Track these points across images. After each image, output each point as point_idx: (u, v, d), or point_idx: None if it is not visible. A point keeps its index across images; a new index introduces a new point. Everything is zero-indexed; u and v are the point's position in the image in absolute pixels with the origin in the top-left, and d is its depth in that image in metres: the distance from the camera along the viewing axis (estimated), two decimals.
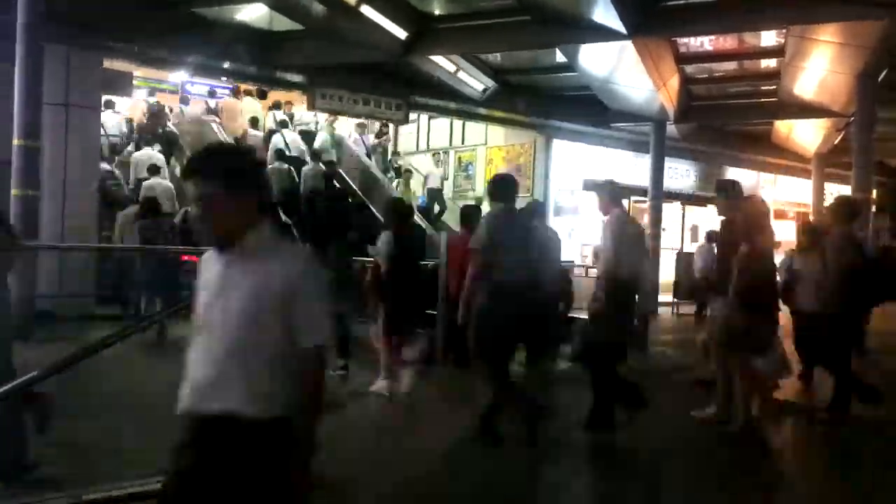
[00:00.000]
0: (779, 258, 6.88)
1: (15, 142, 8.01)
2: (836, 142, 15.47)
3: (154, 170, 11.06)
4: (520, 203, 5.53)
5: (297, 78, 11.66)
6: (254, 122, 14.85)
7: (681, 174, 16.88)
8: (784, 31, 10.04)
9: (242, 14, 10.28)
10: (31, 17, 7.98)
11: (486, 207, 8.85)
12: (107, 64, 10.31)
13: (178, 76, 18.10)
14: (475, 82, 12.45)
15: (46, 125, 8.58)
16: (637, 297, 5.18)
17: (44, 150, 8.50)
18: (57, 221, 9.29)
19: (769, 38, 11.15)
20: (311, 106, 11.96)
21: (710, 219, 18.21)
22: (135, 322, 8.04)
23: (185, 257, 12.15)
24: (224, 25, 10.31)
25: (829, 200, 18.16)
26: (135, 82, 14.11)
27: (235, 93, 15.88)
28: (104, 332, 2.99)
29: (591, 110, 13.58)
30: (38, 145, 8.22)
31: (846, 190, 14.23)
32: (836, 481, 4.69)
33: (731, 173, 18.09)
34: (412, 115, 14.04)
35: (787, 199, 19.46)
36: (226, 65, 11.21)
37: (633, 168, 15.44)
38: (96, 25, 9.41)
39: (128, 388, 5.91)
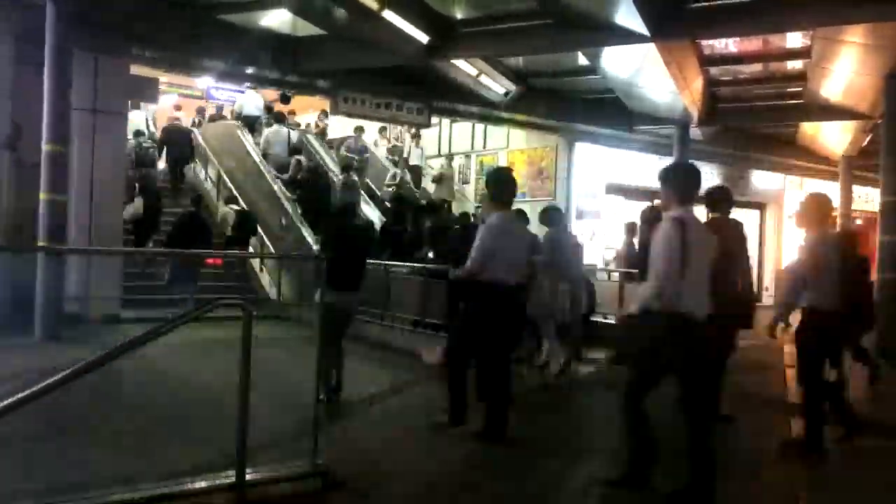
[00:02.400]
0: None
1: (44, 146, 8.17)
2: (863, 144, 15.22)
3: None
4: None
5: (320, 82, 11.74)
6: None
7: (704, 177, 16.67)
8: (810, 32, 9.90)
9: (266, 20, 10.36)
10: (59, 22, 8.15)
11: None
12: (133, 70, 10.46)
13: (204, 81, 18.40)
14: (497, 86, 12.43)
15: (74, 130, 8.74)
16: None
17: (72, 154, 8.65)
18: (84, 225, 9.43)
19: (795, 39, 11.01)
20: (334, 110, 12.03)
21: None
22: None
23: (210, 261, 12.38)
24: (248, 31, 10.41)
25: (857, 203, 17.94)
26: (160, 87, 14.32)
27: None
28: (130, 335, 3.02)
29: (614, 113, 13.50)
30: (66, 150, 8.38)
31: (875, 193, 14.00)
32: None
33: (757, 176, 17.92)
34: (434, 119, 14.06)
35: None
36: (250, 70, 11.33)
37: (656, 171, 15.28)
38: (123, 31, 9.56)
39: (157, 389, 5.99)
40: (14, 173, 9.13)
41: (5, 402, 2.62)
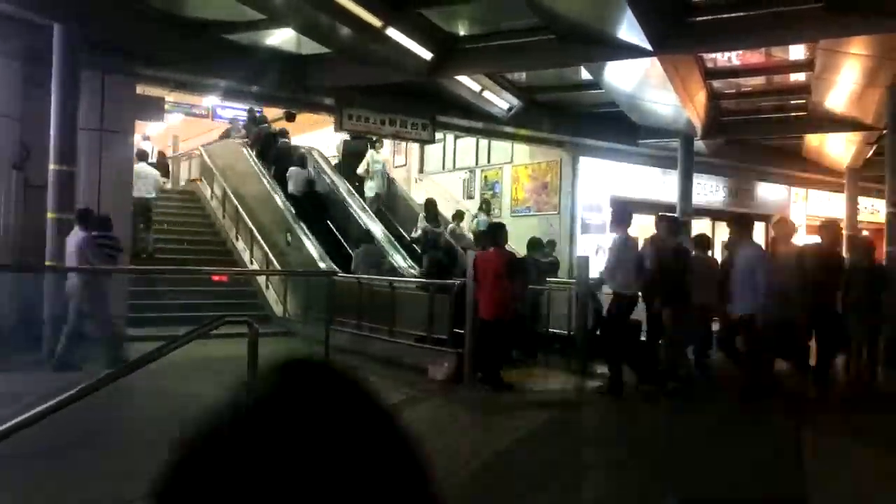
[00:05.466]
0: None
1: (51, 166, 8.23)
2: (868, 155, 15.21)
3: None
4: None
5: (325, 100, 11.81)
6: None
7: (709, 190, 16.70)
8: (813, 44, 9.93)
9: (271, 38, 10.45)
10: (66, 43, 8.23)
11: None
12: (139, 90, 10.54)
13: (209, 100, 18.55)
14: (500, 101, 12.48)
15: (81, 150, 8.79)
16: None
17: (79, 174, 8.71)
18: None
19: (798, 51, 11.04)
20: (339, 127, 12.09)
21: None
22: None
23: (216, 278, 12.42)
24: (254, 50, 10.50)
25: (863, 214, 17.89)
26: (166, 106, 14.42)
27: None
28: (136, 353, 3.03)
29: (618, 127, 13.53)
30: (74, 170, 8.43)
31: (880, 204, 13.96)
32: None
33: (762, 188, 17.91)
34: (438, 135, 14.11)
35: (820, 214, 19.13)
36: (255, 88, 11.42)
37: (661, 184, 15.33)
38: (130, 52, 9.65)
39: (164, 406, 5.99)
40: (22, 193, 9.19)
41: (15, 421, 2.63)
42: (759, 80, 12.44)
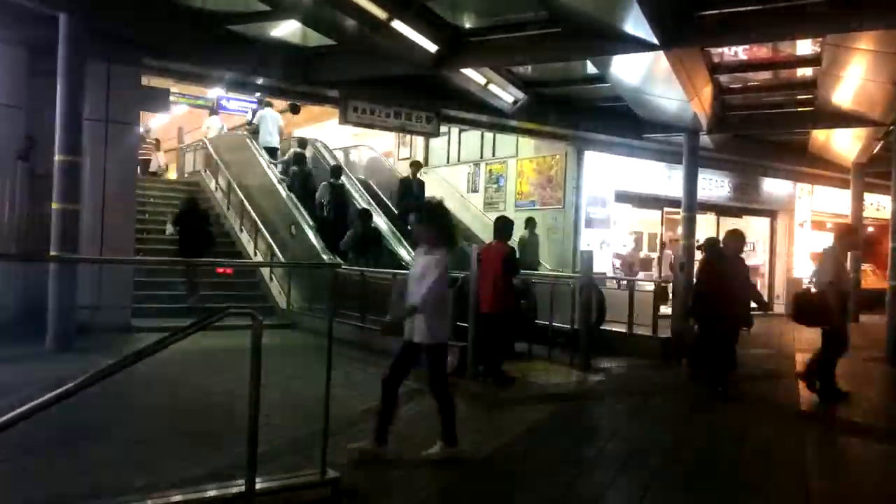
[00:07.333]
0: None
1: (56, 157, 8.25)
2: (875, 151, 15.15)
3: None
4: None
5: (329, 92, 11.80)
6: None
7: (715, 185, 16.67)
8: (820, 39, 9.88)
9: (276, 30, 10.43)
10: (72, 35, 8.24)
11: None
12: (144, 80, 10.54)
13: (214, 91, 18.54)
14: (506, 94, 12.44)
15: (86, 140, 8.81)
16: None
17: (84, 164, 8.73)
18: (96, 234, 9.50)
19: (805, 46, 10.98)
20: (343, 120, 12.06)
21: (743, 231, 17.97)
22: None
23: (220, 270, 12.44)
24: (259, 42, 10.49)
25: (868, 211, 17.82)
26: (171, 98, 14.41)
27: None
28: (140, 344, 3.03)
29: (623, 121, 13.49)
30: (79, 160, 8.45)
31: (886, 200, 13.90)
32: None
33: (767, 183, 17.86)
34: (443, 128, 14.08)
35: (825, 210, 19.08)
36: (260, 80, 11.41)
37: (666, 179, 15.30)
38: (135, 42, 9.65)
39: (167, 398, 6.01)
40: (27, 183, 9.21)
41: (18, 411, 2.64)
42: (765, 75, 12.38)
